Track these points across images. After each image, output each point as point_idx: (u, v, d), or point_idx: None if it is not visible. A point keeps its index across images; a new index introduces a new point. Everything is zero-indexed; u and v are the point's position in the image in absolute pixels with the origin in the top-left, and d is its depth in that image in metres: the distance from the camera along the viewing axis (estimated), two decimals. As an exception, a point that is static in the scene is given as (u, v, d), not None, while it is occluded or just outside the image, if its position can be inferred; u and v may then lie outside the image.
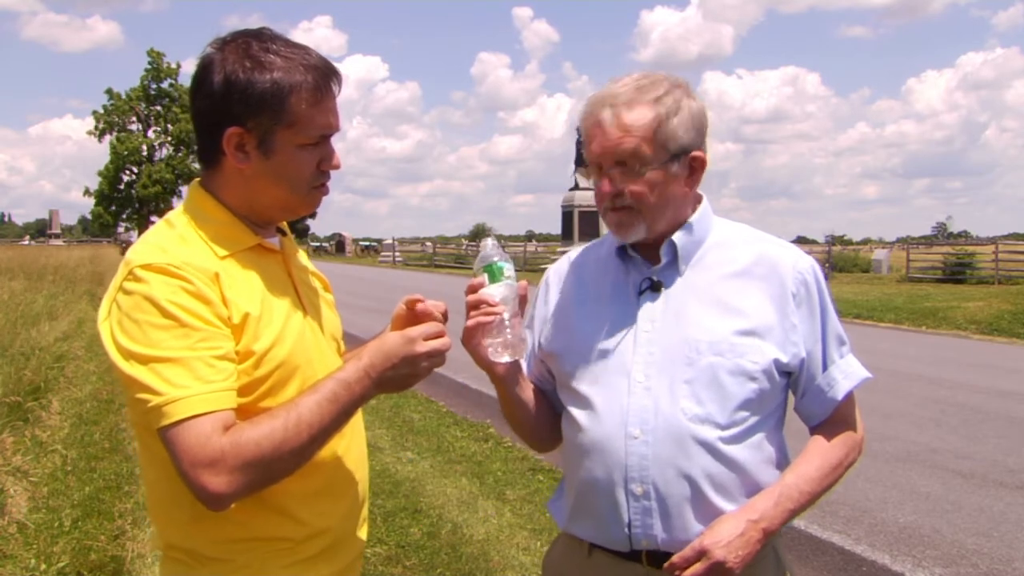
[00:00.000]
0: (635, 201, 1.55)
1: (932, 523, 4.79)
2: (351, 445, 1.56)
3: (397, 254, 48.09)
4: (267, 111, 1.38)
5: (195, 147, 1.53)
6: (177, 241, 1.40)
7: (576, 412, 1.62)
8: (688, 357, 1.54)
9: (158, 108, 58.84)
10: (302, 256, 1.65)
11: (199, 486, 1.26)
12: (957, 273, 24.98)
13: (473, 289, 1.55)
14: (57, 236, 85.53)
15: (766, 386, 1.54)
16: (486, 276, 1.55)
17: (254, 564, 1.41)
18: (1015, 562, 4.26)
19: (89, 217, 67.51)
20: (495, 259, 1.56)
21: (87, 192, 59.42)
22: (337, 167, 1.48)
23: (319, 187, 1.48)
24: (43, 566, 3.90)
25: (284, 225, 1.60)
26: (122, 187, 58.30)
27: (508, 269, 1.56)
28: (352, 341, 1.64)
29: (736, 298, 1.58)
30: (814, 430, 1.66)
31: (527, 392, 1.72)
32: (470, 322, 1.54)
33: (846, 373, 1.62)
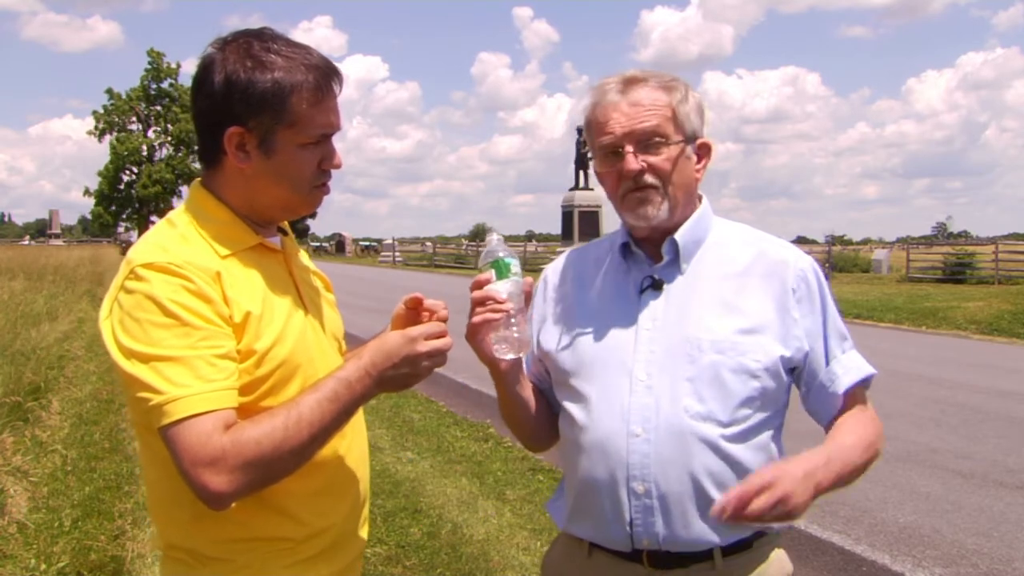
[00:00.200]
0: (658, 178, 1.56)
1: (932, 523, 4.79)
2: (352, 445, 1.56)
3: (397, 254, 48.09)
4: (268, 111, 1.38)
5: (195, 147, 1.53)
6: (178, 240, 1.40)
7: (576, 411, 1.62)
8: (690, 355, 1.54)
9: (158, 108, 58.93)
10: (303, 256, 1.65)
11: (200, 485, 1.26)
12: (957, 273, 24.99)
13: (479, 285, 1.54)
14: (57, 236, 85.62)
15: (769, 384, 1.54)
16: (493, 272, 1.54)
17: (255, 564, 1.41)
18: (1015, 562, 4.26)
19: (89, 217, 67.61)
20: (501, 255, 1.55)
21: (87, 192, 59.55)
22: (338, 166, 1.48)
23: (320, 186, 1.48)
24: (43, 566, 3.90)
25: (285, 225, 1.60)
26: (122, 187, 58.38)
27: (515, 265, 1.55)
28: (352, 341, 1.64)
29: (737, 296, 1.58)
30: (828, 427, 1.63)
31: (527, 391, 1.72)
32: (476, 318, 1.52)
33: (847, 368, 1.61)
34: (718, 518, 1.36)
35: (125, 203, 58.54)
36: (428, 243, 58.79)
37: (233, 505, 1.30)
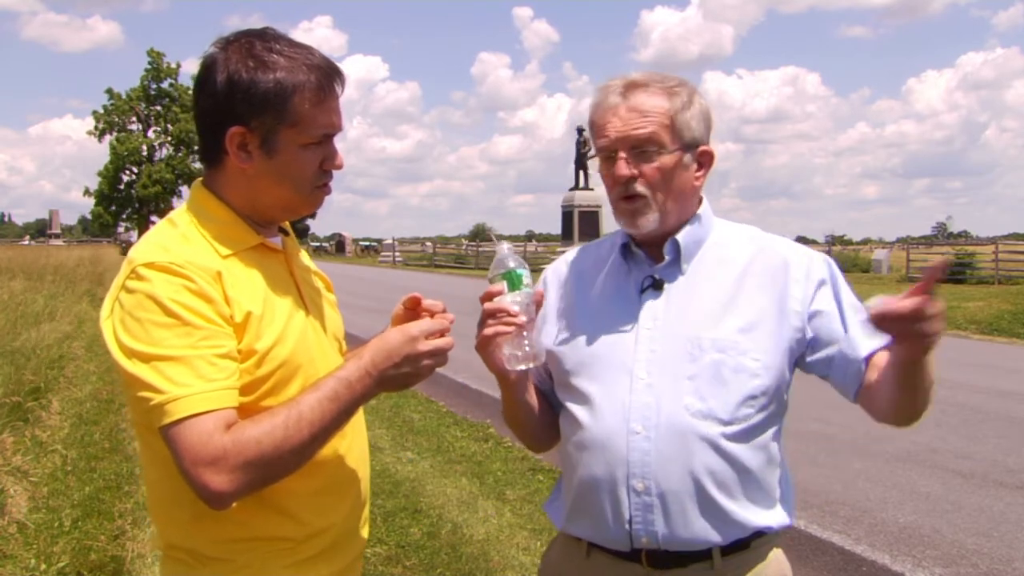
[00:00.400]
0: (648, 187, 1.56)
1: (932, 523, 4.79)
2: (352, 444, 1.56)
3: (397, 254, 48.08)
4: (270, 111, 1.39)
5: (195, 147, 1.53)
6: (180, 240, 1.40)
7: (577, 410, 1.62)
8: (691, 354, 1.54)
9: (158, 108, 58.89)
10: (304, 256, 1.65)
11: (200, 485, 1.26)
12: (957, 273, 24.99)
13: (490, 296, 1.53)
14: (57, 236, 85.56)
15: (769, 383, 1.54)
16: (505, 284, 1.52)
17: (255, 564, 1.41)
18: (1015, 562, 4.26)
19: (89, 217, 67.58)
20: (513, 265, 1.53)
21: (87, 192, 59.50)
22: (340, 167, 1.48)
23: (322, 187, 1.48)
24: (43, 566, 3.91)
25: (286, 225, 1.60)
26: (122, 187, 58.33)
27: (526, 276, 1.53)
28: (352, 341, 1.64)
29: (737, 295, 1.58)
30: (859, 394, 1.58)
31: (532, 396, 1.72)
32: (488, 331, 1.52)
33: (868, 334, 1.55)
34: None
35: (125, 203, 58.50)
36: (428, 243, 58.78)
37: (233, 505, 1.30)
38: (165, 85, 58.68)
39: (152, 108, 58.93)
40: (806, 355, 1.59)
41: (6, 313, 10.22)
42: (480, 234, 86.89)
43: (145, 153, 58.70)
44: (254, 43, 1.41)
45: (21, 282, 15.53)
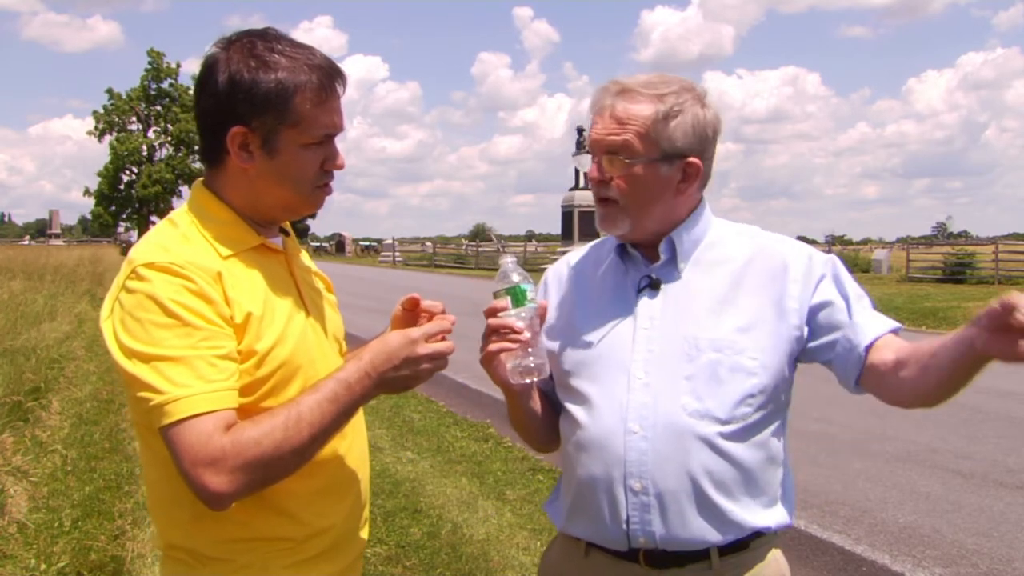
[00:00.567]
0: (619, 194, 1.56)
1: (932, 523, 4.79)
2: (352, 445, 1.56)
3: (397, 254, 48.08)
4: (271, 111, 1.39)
5: (195, 147, 1.53)
6: (180, 240, 1.40)
7: (575, 409, 1.62)
8: (688, 354, 1.54)
9: (158, 108, 58.83)
10: (305, 257, 1.65)
11: (200, 485, 1.26)
12: (957, 273, 24.98)
13: (494, 311, 1.53)
14: (57, 236, 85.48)
15: (767, 381, 1.54)
16: (509, 299, 1.52)
17: (255, 564, 1.41)
18: (1015, 562, 4.26)
19: (89, 217, 67.54)
20: (517, 280, 1.53)
21: (87, 192, 59.45)
22: (341, 167, 1.48)
23: (323, 187, 1.48)
24: (43, 566, 3.91)
25: (287, 225, 1.60)
26: (122, 187, 58.28)
27: (531, 291, 1.53)
28: (353, 341, 1.64)
29: (734, 294, 1.58)
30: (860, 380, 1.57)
31: (536, 402, 1.72)
32: (492, 347, 1.52)
33: (871, 321, 1.57)
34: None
35: (125, 203, 58.46)
36: (428, 243, 58.77)
37: (233, 505, 1.30)
38: (165, 85, 58.62)
39: (152, 108, 58.88)
40: (808, 343, 1.58)
41: (6, 313, 10.23)
42: (480, 234, 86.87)
43: (145, 153, 58.65)
44: (256, 43, 1.41)
45: (21, 282, 15.53)
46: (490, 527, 4.61)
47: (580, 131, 31.41)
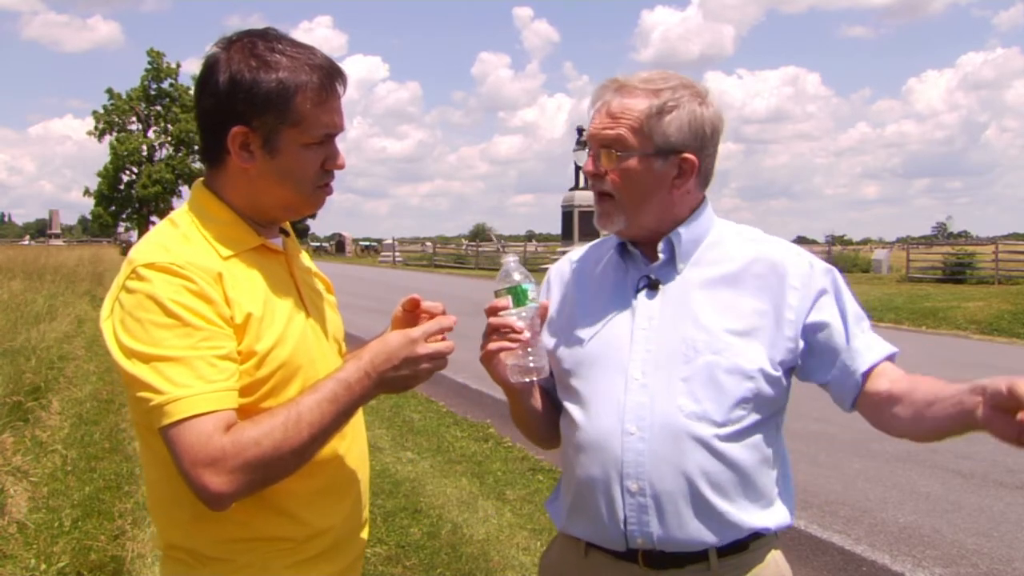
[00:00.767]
0: (613, 188, 1.57)
1: (932, 523, 4.79)
2: (352, 445, 1.56)
3: (397, 254, 48.06)
4: (272, 110, 1.39)
5: (195, 147, 1.53)
6: (180, 240, 1.40)
7: (573, 409, 1.62)
8: (685, 355, 1.54)
9: (158, 108, 58.80)
10: (305, 257, 1.65)
11: (200, 486, 1.26)
12: (957, 273, 24.96)
13: (495, 310, 1.53)
14: (57, 236, 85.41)
15: (764, 385, 1.54)
16: (510, 298, 1.52)
17: (255, 564, 1.41)
18: (1015, 562, 4.26)
19: (89, 217, 67.52)
20: (518, 279, 1.53)
21: (87, 192, 59.42)
22: (342, 167, 1.48)
23: (323, 187, 1.48)
24: (43, 566, 3.90)
25: (287, 226, 1.60)
26: (122, 187, 58.25)
27: (532, 291, 1.53)
28: (353, 341, 1.64)
29: (734, 297, 1.57)
30: (861, 401, 1.57)
31: (537, 400, 1.72)
32: (492, 346, 1.52)
33: (870, 346, 1.58)
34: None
35: (125, 203, 58.43)
36: (428, 243, 58.73)
37: (234, 505, 1.30)
38: (165, 85, 58.58)
39: (152, 108, 58.84)
40: (805, 364, 1.58)
41: (6, 313, 10.23)
42: (480, 234, 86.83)
43: (145, 153, 58.61)
44: (256, 43, 1.41)
45: (21, 282, 15.53)
46: (490, 527, 4.61)
47: (580, 131, 31.39)
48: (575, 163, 32.00)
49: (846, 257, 34.43)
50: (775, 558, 1.64)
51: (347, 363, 1.40)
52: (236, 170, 1.44)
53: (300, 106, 1.40)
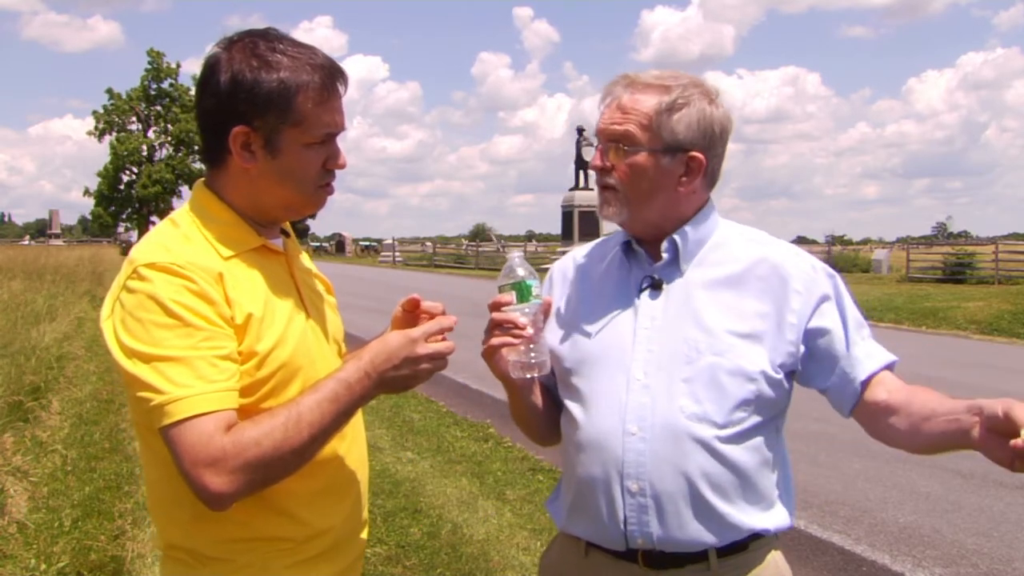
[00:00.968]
0: (619, 181, 1.57)
1: (932, 523, 4.79)
2: (352, 446, 1.56)
3: (397, 254, 48.04)
4: (274, 110, 1.39)
5: (195, 147, 1.53)
6: (181, 240, 1.40)
7: (575, 408, 1.62)
8: (687, 356, 1.54)
9: (158, 108, 58.76)
10: (305, 258, 1.65)
11: (200, 486, 1.26)
12: (957, 273, 24.95)
13: (498, 305, 1.53)
14: (57, 236, 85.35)
15: (765, 387, 1.53)
16: (514, 295, 1.51)
17: (256, 564, 1.41)
18: (1015, 562, 4.26)
19: (89, 217, 67.51)
20: (523, 275, 1.53)
21: (87, 192, 59.39)
22: (343, 166, 1.49)
23: (324, 186, 1.48)
24: (43, 566, 3.90)
25: (287, 227, 1.60)
26: (122, 187, 58.22)
27: (536, 287, 1.53)
28: (352, 341, 1.64)
29: (737, 299, 1.57)
30: (859, 409, 1.58)
31: (538, 397, 1.72)
32: (495, 341, 1.52)
33: (869, 354, 1.58)
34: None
35: (125, 203, 58.39)
36: (428, 243, 58.71)
37: (234, 505, 1.30)
38: (165, 85, 58.54)
39: (152, 108, 58.80)
40: (804, 369, 1.59)
41: (6, 313, 10.23)
42: (480, 234, 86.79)
43: (145, 153, 58.57)
44: (257, 43, 1.41)
45: (21, 282, 15.52)
46: (490, 527, 4.61)
47: (580, 131, 31.37)
48: (575, 163, 31.98)
49: (846, 257, 34.42)
50: (775, 558, 1.64)
51: (347, 363, 1.40)
52: (237, 170, 1.44)
53: (301, 106, 1.40)
